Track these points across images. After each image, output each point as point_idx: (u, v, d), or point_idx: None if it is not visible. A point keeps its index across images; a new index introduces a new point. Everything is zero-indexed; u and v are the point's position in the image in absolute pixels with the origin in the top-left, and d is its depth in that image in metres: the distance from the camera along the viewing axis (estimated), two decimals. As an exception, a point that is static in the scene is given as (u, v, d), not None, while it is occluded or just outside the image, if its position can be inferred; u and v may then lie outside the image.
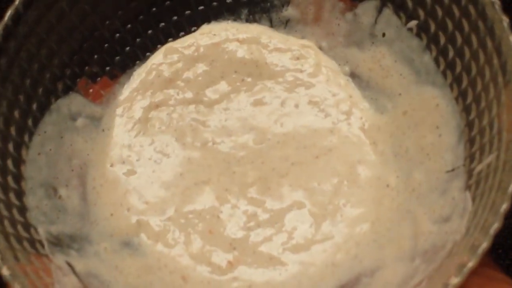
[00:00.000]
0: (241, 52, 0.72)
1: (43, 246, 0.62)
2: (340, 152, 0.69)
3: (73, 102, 0.70)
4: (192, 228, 0.67)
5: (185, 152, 0.70)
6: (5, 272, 0.55)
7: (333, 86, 0.71)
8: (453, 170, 0.62)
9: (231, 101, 0.72)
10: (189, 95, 0.72)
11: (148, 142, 0.71)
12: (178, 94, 0.72)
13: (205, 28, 0.74)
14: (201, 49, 0.72)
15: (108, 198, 0.68)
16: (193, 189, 0.69)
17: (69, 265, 0.63)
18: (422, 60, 0.67)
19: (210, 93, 0.72)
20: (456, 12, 0.61)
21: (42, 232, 0.63)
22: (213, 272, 0.66)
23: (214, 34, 0.73)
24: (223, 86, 0.72)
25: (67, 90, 0.69)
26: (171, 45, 0.73)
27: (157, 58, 0.73)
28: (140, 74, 0.73)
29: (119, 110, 0.72)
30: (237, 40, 0.72)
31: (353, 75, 0.72)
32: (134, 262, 0.66)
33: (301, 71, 0.72)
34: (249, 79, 0.72)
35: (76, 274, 0.62)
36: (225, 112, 0.72)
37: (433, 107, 0.65)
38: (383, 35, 0.69)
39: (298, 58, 0.72)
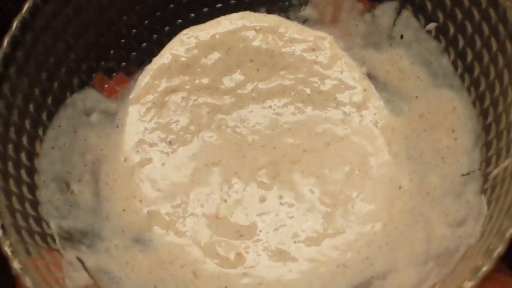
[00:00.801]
0: (257, 41, 0.72)
1: (54, 240, 0.62)
2: (352, 141, 0.69)
3: (88, 97, 0.70)
4: (200, 215, 0.68)
5: (199, 134, 0.71)
6: (16, 265, 0.55)
7: (348, 78, 0.70)
8: (468, 174, 0.61)
9: (246, 89, 0.71)
10: (205, 81, 0.71)
11: (163, 124, 0.71)
12: (194, 80, 0.71)
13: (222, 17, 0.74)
14: (217, 37, 0.72)
15: (121, 193, 0.68)
16: (202, 170, 0.69)
17: (80, 260, 0.62)
18: (440, 63, 0.66)
19: (227, 81, 0.72)
20: (476, 15, 0.61)
21: (53, 226, 0.63)
22: (222, 265, 0.66)
23: (231, 22, 0.72)
24: (239, 74, 0.72)
25: (83, 85, 0.69)
26: (188, 31, 0.72)
27: (174, 43, 0.72)
28: (157, 59, 0.72)
29: (134, 96, 0.71)
30: (254, 29, 0.72)
31: (369, 76, 0.71)
32: (146, 258, 0.66)
33: (316, 63, 0.71)
34: (264, 69, 0.71)
35: (86, 269, 0.62)
36: (240, 99, 0.71)
37: (450, 110, 0.65)
38: (401, 37, 0.69)
39: (313, 50, 0.71)
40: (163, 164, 0.70)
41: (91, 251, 0.64)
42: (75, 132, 0.68)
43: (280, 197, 0.68)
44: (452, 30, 0.64)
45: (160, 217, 0.68)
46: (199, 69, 0.71)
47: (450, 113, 0.65)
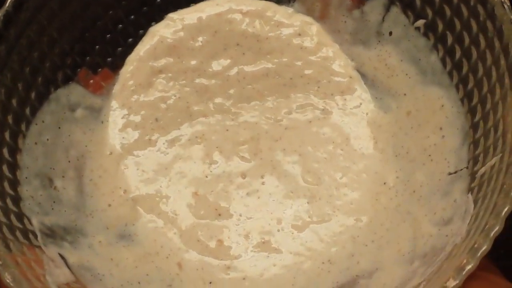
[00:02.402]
0: (244, 25, 0.71)
1: (36, 237, 0.61)
2: (334, 122, 0.69)
3: (73, 92, 0.69)
4: (181, 192, 0.68)
5: (186, 111, 0.70)
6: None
7: (333, 65, 0.70)
8: (456, 172, 0.61)
9: (232, 72, 0.70)
10: (193, 63, 0.70)
11: (149, 103, 0.70)
12: (182, 61, 0.70)
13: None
14: (204, 19, 0.71)
15: (106, 188, 0.68)
16: (186, 145, 0.69)
17: (62, 257, 0.62)
18: (429, 60, 0.66)
19: (214, 64, 0.71)
20: (465, 12, 0.60)
21: (35, 222, 0.62)
22: (203, 253, 0.66)
23: (217, 4, 0.71)
24: (226, 58, 0.71)
25: (67, 80, 0.68)
26: (174, 14, 0.71)
27: (160, 26, 0.71)
28: (142, 41, 0.71)
29: (118, 85, 0.70)
30: (240, 12, 0.71)
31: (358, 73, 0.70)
32: (131, 252, 0.66)
33: (301, 48, 0.70)
34: (249, 53, 0.70)
35: (68, 266, 0.62)
36: (227, 82, 0.70)
37: (438, 108, 0.64)
38: (390, 33, 0.68)
39: (299, 35, 0.70)
40: (149, 141, 0.69)
41: (74, 248, 0.64)
42: (59, 127, 0.67)
43: (262, 176, 0.68)
44: (440, 27, 0.64)
45: (144, 201, 0.68)
46: (186, 51, 0.70)
47: (438, 111, 0.64)
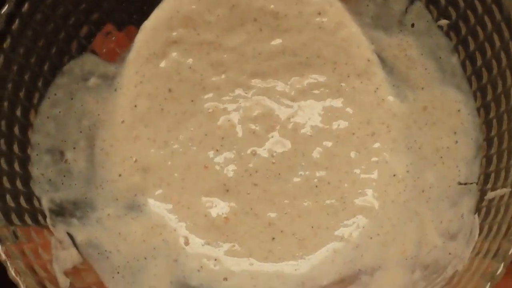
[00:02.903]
0: (262, 0, 0.69)
1: (44, 217, 0.62)
2: (348, 105, 0.68)
3: (87, 62, 0.67)
4: (190, 164, 0.68)
5: (200, 82, 0.69)
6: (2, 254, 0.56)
7: (352, 46, 0.68)
8: (465, 184, 0.61)
9: (247, 48, 0.69)
10: (208, 36, 0.69)
11: (163, 73, 0.69)
12: (198, 34, 0.69)
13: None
14: None
15: (118, 157, 0.67)
16: (198, 116, 0.69)
17: (70, 236, 0.63)
18: (449, 60, 0.65)
19: (230, 39, 0.69)
20: (489, 25, 0.59)
21: (45, 202, 0.63)
22: (209, 230, 0.67)
23: None
24: (241, 33, 0.69)
25: (81, 50, 0.67)
26: None
27: None
28: (157, 12, 0.69)
29: (133, 53, 0.69)
30: (260, -14, 0.69)
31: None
32: (139, 225, 0.66)
33: (320, 27, 0.68)
34: (267, 29, 0.69)
35: (76, 246, 0.63)
36: (242, 57, 0.69)
37: (454, 112, 0.63)
38: (412, 25, 0.66)
39: (319, 14, 0.68)
40: (161, 111, 0.68)
41: (82, 224, 0.65)
42: (71, 99, 0.66)
43: (272, 154, 0.68)
44: (463, 31, 0.62)
45: (155, 171, 0.68)
46: (203, 24, 0.69)
47: (454, 114, 0.63)
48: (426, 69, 0.66)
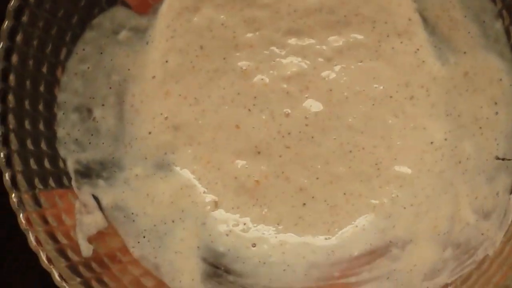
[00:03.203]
0: None
1: (69, 179, 0.62)
2: (387, 65, 0.65)
3: (117, 15, 0.65)
4: (221, 123, 0.66)
5: (232, 39, 0.67)
6: (22, 221, 0.56)
7: (392, 4, 0.65)
8: (503, 159, 0.58)
9: (283, 4, 0.66)
10: None
11: (194, 29, 0.67)
12: None
13: None
14: None
15: (147, 114, 0.66)
16: (230, 75, 0.67)
17: (96, 198, 0.62)
18: (493, 25, 0.61)
19: None
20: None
21: (70, 163, 0.62)
22: (238, 193, 0.66)
23: None
24: None
25: (112, 2, 0.65)
26: None
27: None
28: None
29: (165, 5, 0.67)
30: None
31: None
32: (168, 185, 0.66)
33: None
34: None
35: (101, 209, 0.62)
36: (277, 14, 0.67)
37: (495, 80, 0.61)
38: (456, -16, 0.63)
39: None
40: (192, 68, 0.67)
41: (109, 185, 0.64)
42: (101, 53, 0.65)
43: (306, 117, 0.66)
44: (509, -4, 0.59)
45: (185, 129, 0.66)
46: None
47: (495, 83, 0.61)
48: (469, 32, 0.63)
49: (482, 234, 0.57)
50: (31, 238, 0.56)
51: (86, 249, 0.60)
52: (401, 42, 0.64)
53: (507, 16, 0.60)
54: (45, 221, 0.58)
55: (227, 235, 0.65)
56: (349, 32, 0.65)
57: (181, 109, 0.66)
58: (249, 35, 0.66)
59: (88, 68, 0.64)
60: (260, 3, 0.66)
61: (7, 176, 0.57)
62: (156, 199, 0.65)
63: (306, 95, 0.66)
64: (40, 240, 0.56)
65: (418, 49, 0.64)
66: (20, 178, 0.57)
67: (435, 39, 0.64)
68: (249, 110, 0.66)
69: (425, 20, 0.65)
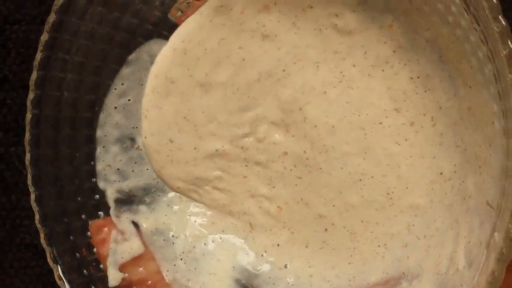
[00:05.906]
0: None
1: (108, 209, 0.65)
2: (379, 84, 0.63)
3: (154, 47, 0.66)
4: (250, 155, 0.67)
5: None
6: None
7: None
8: (491, 207, 0.54)
9: None
10: None
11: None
12: None
13: None
14: None
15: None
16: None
17: (135, 224, 0.66)
18: (486, 65, 0.54)
19: None
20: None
21: (110, 193, 0.66)
22: (268, 217, 0.68)
23: None
24: None
25: (148, 36, 0.66)
26: None
27: None
28: None
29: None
30: None
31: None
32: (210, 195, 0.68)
33: None
34: None
35: (140, 234, 0.66)
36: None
37: (489, 123, 0.55)
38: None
39: None
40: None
41: (151, 210, 0.67)
42: (142, 84, 0.66)
43: (301, 149, 0.65)
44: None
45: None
46: None
47: (489, 125, 0.55)
48: (471, 67, 0.56)
49: (461, 285, 0.55)
50: (59, 271, 0.60)
51: (115, 279, 0.63)
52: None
53: (492, 59, 0.51)
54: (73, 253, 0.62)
55: (262, 255, 0.67)
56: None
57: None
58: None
59: (129, 100, 0.66)
60: None
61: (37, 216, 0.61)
62: (198, 220, 0.68)
63: (292, 134, 0.66)
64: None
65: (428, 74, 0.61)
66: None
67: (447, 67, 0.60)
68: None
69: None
